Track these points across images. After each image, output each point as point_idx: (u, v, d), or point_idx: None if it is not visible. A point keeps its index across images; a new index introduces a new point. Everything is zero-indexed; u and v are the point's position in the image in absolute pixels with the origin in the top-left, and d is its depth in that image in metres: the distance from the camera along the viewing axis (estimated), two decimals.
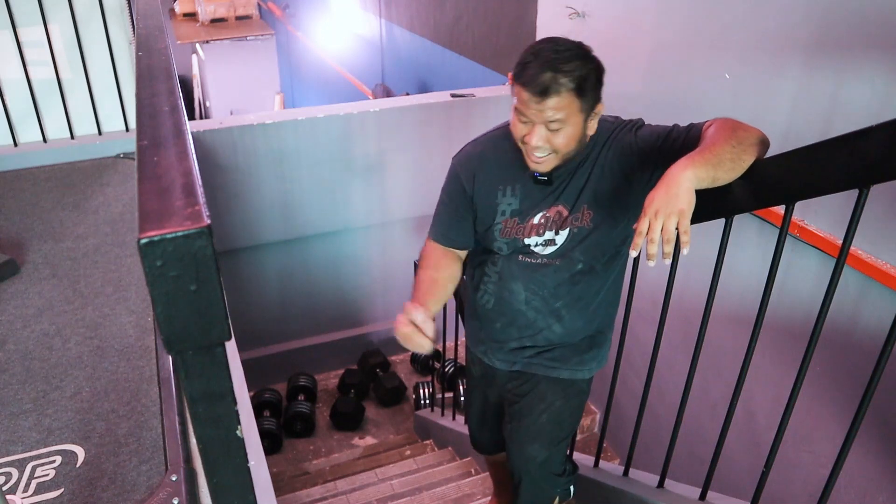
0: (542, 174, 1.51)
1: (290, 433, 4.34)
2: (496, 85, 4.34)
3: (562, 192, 1.55)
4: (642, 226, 1.27)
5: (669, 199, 1.25)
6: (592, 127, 1.48)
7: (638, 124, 1.55)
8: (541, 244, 1.59)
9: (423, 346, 1.44)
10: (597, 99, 1.44)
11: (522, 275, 1.62)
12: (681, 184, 1.25)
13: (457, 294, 2.97)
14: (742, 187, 1.48)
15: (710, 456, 1.70)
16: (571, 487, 1.93)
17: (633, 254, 1.30)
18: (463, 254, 1.72)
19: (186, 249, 0.50)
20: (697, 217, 1.63)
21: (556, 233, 1.57)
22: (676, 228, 1.26)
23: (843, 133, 1.18)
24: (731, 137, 1.31)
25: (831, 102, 2.10)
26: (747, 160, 1.31)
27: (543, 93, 1.35)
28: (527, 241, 1.59)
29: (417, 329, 1.43)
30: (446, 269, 1.67)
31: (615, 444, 3.72)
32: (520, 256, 1.61)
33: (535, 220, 1.57)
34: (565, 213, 1.56)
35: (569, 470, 1.92)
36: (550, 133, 1.41)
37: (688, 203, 1.26)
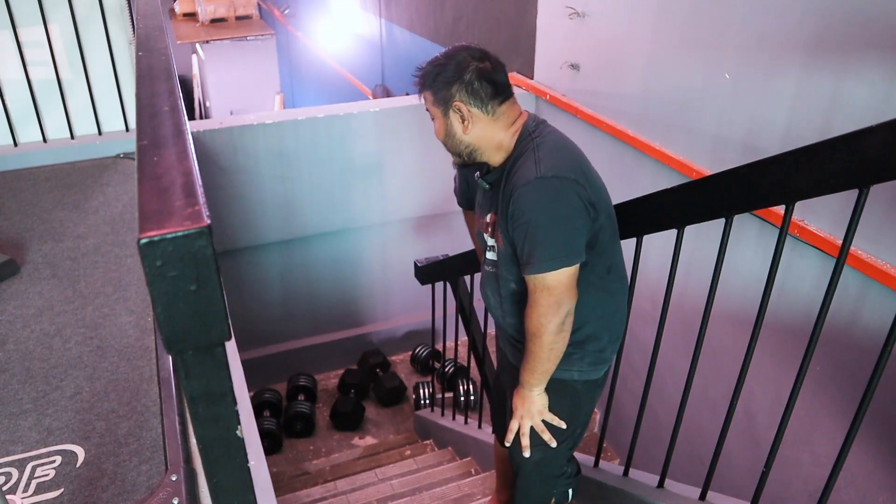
0: (481, 173, 1.69)
1: (290, 433, 4.34)
2: None
3: (492, 198, 1.66)
4: (513, 426, 1.71)
5: (527, 407, 1.68)
6: (468, 127, 1.59)
7: (520, 198, 1.51)
8: (489, 248, 1.71)
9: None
10: (449, 101, 1.58)
11: (485, 282, 1.79)
12: (531, 397, 1.67)
13: (457, 294, 2.98)
14: (742, 187, 1.48)
15: (710, 456, 1.70)
16: (570, 490, 1.91)
17: (505, 444, 1.75)
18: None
19: (186, 249, 0.50)
20: (697, 217, 1.63)
21: (495, 241, 1.67)
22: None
23: (843, 133, 1.18)
24: (542, 354, 1.57)
25: (831, 102, 2.10)
26: (547, 345, 1.56)
27: (418, 91, 1.64)
28: (485, 235, 1.72)
29: None
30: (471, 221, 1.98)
31: (615, 444, 3.72)
32: (483, 264, 1.76)
33: (487, 217, 1.69)
34: (496, 225, 1.65)
35: (569, 472, 1.91)
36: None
37: (540, 405, 1.68)
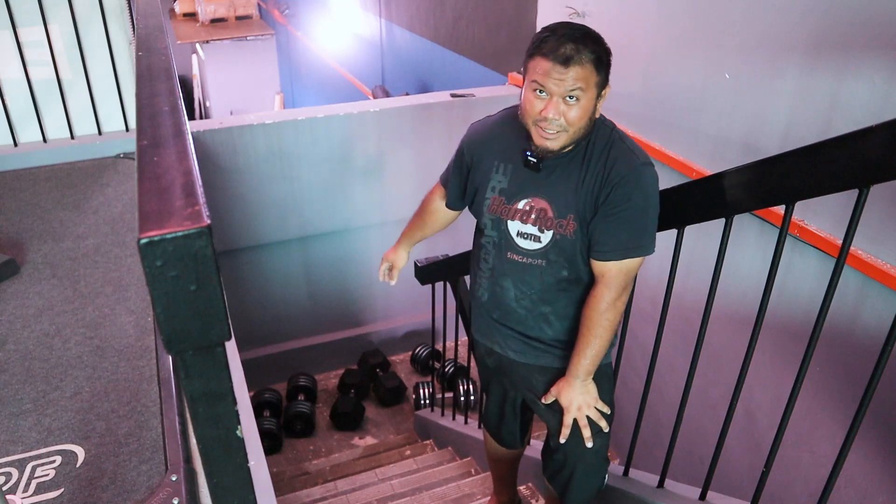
0: (532, 156, 1.56)
1: (290, 433, 4.34)
2: (496, 85, 4.34)
3: (545, 183, 1.58)
4: (568, 420, 1.68)
5: (584, 398, 1.67)
6: (599, 108, 1.53)
7: (626, 183, 1.51)
8: (524, 237, 1.62)
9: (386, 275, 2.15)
10: (608, 79, 1.50)
11: (512, 272, 1.66)
12: (587, 387, 1.67)
13: (457, 294, 2.97)
14: (742, 187, 1.48)
15: (710, 456, 1.70)
16: (606, 476, 1.92)
17: (562, 440, 1.71)
18: (450, 212, 1.93)
19: (186, 249, 0.50)
20: (697, 217, 1.63)
21: (541, 231, 1.60)
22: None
23: (843, 133, 1.18)
24: (605, 335, 1.59)
25: (831, 102, 2.10)
26: (612, 328, 1.60)
27: (566, 61, 1.41)
28: (511, 223, 1.63)
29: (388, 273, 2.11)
30: (430, 204, 1.96)
31: (615, 444, 3.71)
32: (508, 253, 1.65)
33: (521, 205, 1.61)
34: (550, 213, 1.58)
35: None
36: (566, 107, 1.46)
37: (595, 393, 1.68)
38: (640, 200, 1.51)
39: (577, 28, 1.44)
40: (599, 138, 1.55)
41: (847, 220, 1.25)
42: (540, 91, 1.46)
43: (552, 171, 1.57)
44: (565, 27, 1.44)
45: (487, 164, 1.66)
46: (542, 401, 1.75)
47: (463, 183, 1.77)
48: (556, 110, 1.45)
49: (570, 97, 1.44)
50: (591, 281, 1.62)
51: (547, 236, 1.59)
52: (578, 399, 1.66)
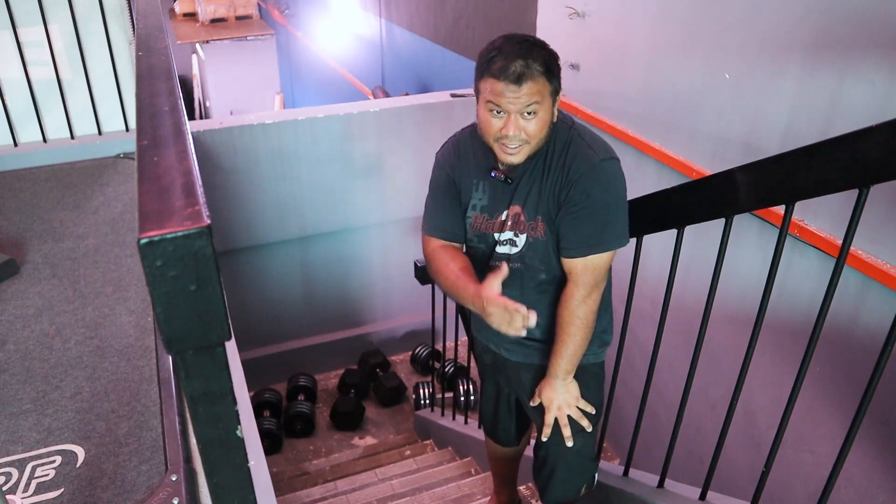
0: (499, 172, 1.59)
1: (290, 433, 4.34)
2: None
3: (516, 190, 1.60)
4: (550, 419, 1.71)
5: (564, 397, 1.69)
6: (555, 113, 1.53)
7: (585, 181, 1.52)
8: (503, 243, 1.65)
9: (524, 317, 1.41)
10: (560, 84, 1.51)
11: None
12: (567, 386, 1.69)
13: None
14: (742, 187, 1.48)
15: (710, 456, 1.70)
16: (596, 475, 1.94)
17: (543, 439, 1.74)
18: (460, 246, 1.74)
19: (186, 249, 0.50)
20: (697, 217, 1.63)
21: (517, 235, 1.62)
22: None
23: (843, 133, 1.18)
24: (578, 335, 1.59)
25: (831, 102, 2.10)
26: (586, 326, 1.59)
27: (519, 79, 1.41)
28: (497, 235, 1.64)
29: (507, 305, 1.41)
30: (460, 257, 1.69)
31: (615, 444, 3.72)
32: (492, 261, 1.68)
33: (503, 216, 1.63)
34: (522, 217, 1.60)
35: (597, 455, 1.94)
36: (525, 121, 1.46)
37: (576, 392, 1.70)
38: (601, 196, 1.51)
39: (522, 41, 1.43)
40: (559, 139, 1.56)
41: (847, 220, 1.24)
42: (497, 111, 1.46)
43: (520, 177, 1.59)
44: (510, 42, 1.43)
45: (467, 184, 1.67)
46: (531, 403, 1.77)
47: (457, 207, 1.70)
48: (516, 126, 1.46)
49: (528, 112, 1.45)
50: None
51: (521, 240, 1.62)
52: (559, 398, 1.69)
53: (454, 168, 1.69)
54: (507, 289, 1.64)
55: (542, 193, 1.56)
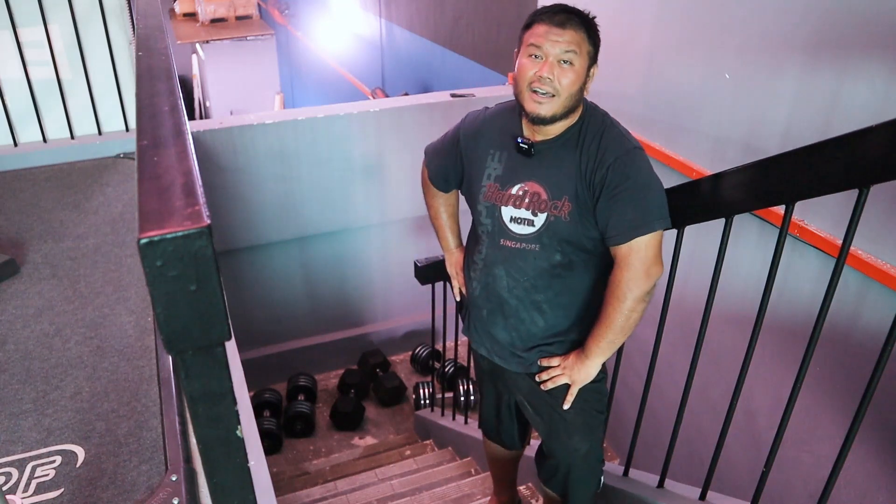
0: (525, 138, 1.61)
1: (290, 433, 4.34)
2: (496, 85, 4.34)
3: (538, 167, 1.60)
4: (571, 398, 1.72)
5: (583, 376, 1.69)
6: (588, 87, 1.58)
7: (622, 165, 1.54)
8: (517, 221, 1.63)
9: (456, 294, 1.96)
10: (596, 56, 1.58)
11: (504, 259, 1.67)
12: (595, 367, 1.69)
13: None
14: (742, 187, 1.48)
15: (710, 456, 1.70)
16: (602, 477, 1.94)
17: (566, 407, 1.74)
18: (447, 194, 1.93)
19: (186, 249, 0.50)
20: (697, 217, 1.63)
21: (535, 214, 1.61)
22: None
23: (843, 133, 1.18)
24: (618, 320, 1.57)
25: (831, 102, 2.10)
26: (636, 318, 1.58)
27: (562, 24, 1.51)
28: (504, 209, 1.64)
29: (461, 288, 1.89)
30: (437, 196, 1.94)
31: (615, 444, 3.72)
32: (502, 240, 1.66)
33: (514, 189, 1.63)
34: (544, 195, 1.59)
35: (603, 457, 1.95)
36: (560, 70, 1.52)
37: (595, 373, 1.70)
38: (639, 178, 1.53)
39: (571, 7, 1.56)
40: (592, 123, 1.59)
41: (847, 220, 1.25)
42: (536, 56, 1.52)
43: (545, 156, 1.60)
44: (559, 4, 1.55)
45: (482, 152, 1.69)
46: (541, 388, 1.74)
47: (450, 166, 1.80)
48: (551, 70, 1.51)
49: (564, 61, 1.51)
50: (583, 267, 1.63)
51: (540, 219, 1.60)
52: (582, 374, 1.68)
53: (472, 133, 1.73)
54: (519, 272, 1.66)
55: (573, 174, 1.56)
